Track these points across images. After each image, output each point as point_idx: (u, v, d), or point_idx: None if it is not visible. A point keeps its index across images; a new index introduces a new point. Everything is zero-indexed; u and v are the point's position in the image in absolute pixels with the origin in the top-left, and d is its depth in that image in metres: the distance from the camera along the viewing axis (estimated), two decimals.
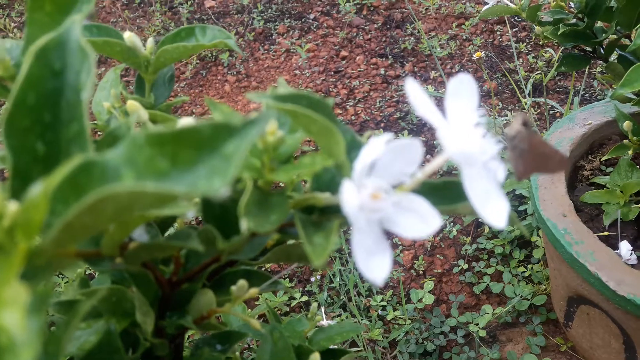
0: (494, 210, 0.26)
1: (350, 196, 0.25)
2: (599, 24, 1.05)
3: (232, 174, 0.19)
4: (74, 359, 0.37)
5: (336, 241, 0.28)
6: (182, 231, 0.32)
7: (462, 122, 0.27)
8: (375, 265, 0.27)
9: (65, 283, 1.36)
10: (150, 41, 0.48)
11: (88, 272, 1.31)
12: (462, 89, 0.29)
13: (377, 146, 0.26)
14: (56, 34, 0.23)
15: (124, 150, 0.20)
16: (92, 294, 0.39)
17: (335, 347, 0.60)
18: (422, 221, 0.27)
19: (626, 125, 0.87)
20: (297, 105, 0.26)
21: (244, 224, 0.26)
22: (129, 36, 0.46)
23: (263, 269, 1.50)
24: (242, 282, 0.40)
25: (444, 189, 0.31)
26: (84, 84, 0.23)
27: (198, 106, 2.00)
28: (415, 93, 0.27)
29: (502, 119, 1.76)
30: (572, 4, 1.00)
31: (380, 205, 0.27)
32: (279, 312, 1.32)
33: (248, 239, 0.35)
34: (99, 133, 0.55)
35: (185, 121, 0.34)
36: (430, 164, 0.28)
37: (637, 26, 0.87)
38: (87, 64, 0.23)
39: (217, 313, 0.42)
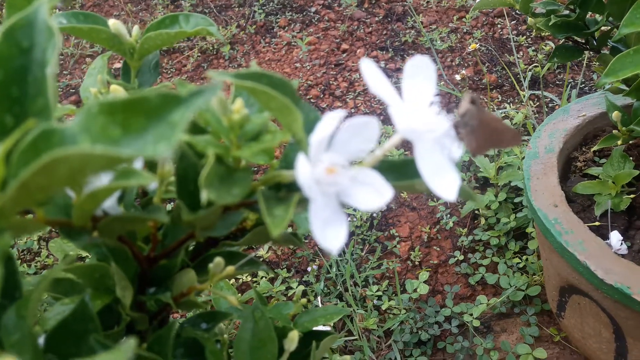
0: (445, 184, 0.27)
1: (303, 169, 0.27)
2: (595, 15, 1.05)
3: (177, 139, 0.20)
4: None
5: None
6: (153, 206, 0.33)
7: (415, 100, 0.28)
8: (331, 234, 0.28)
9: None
10: (135, 28, 0.49)
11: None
12: (419, 70, 0.30)
13: (331, 121, 0.27)
14: (24, 14, 0.25)
15: (80, 119, 0.22)
16: (72, 269, 0.41)
17: (320, 328, 0.62)
18: (376, 193, 0.28)
19: (615, 115, 0.88)
20: (256, 83, 0.27)
21: (204, 195, 0.27)
22: (113, 23, 0.47)
23: (262, 259, 1.52)
24: (218, 260, 0.42)
25: (403, 166, 0.33)
26: (49, 60, 0.24)
27: None
28: (370, 71, 0.28)
29: (501, 111, 1.77)
30: None
31: (337, 179, 0.28)
32: (276, 301, 1.33)
33: (220, 214, 0.36)
34: None
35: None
36: (388, 142, 0.30)
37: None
38: (53, 41, 0.25)
39: (196, 290, 0.43)
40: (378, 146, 0.30)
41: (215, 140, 0.31)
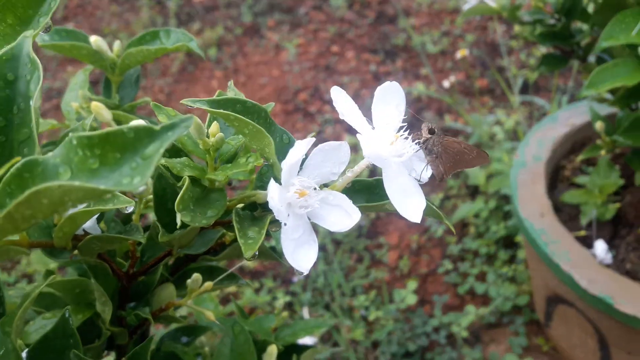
0: (411, 207, 0.28)
1: (274, 193, 0.27)
2: (581, 24, 1.06)
3: (150, 173, 0.21)
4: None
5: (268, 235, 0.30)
6: (130, 225, 0.34)
7: (383, 126, 0.29)
8: (301, 255, 0.29)
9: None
10: (117, 44, 0.49)
11: None
12: (389, 95, 0.31)
13: (301, 148, 0.28)
14: (9, 47, 0.26)
15: (61, 151, 0.23)
16: (53, 284, 0.42)
17: (306, 340, 0.62)
18: (346, 215, 0.29)
19: (598, 125, 0.89)
20: (229, 111, 0.28)
21: (178, 219, 0.28)
22: (95, 40, 0.47)
23: (247, 268, 1.50)
24: (196, 276, 0.42)
25: (376, 187, 0.33)
26: (33, 93, 0.26)
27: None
28: (341, 100, 0.29)
29: (493, 117, 1.77)
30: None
31: (308, 202, 0.29)
32: (261, 312, 1.33)
33: (197, 233, 0.37)
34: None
35: (136, 122, 0.36)
36: (358, 165, 0.30)
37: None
38: (37, 74, 0.26)
39: (174, 305, 0.44)
40: (349, 168, 0.31)
41: (191, 162, 0.31)
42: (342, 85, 1.97)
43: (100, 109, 0.44)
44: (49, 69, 2.23)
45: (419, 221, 0.28)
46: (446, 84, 1.69)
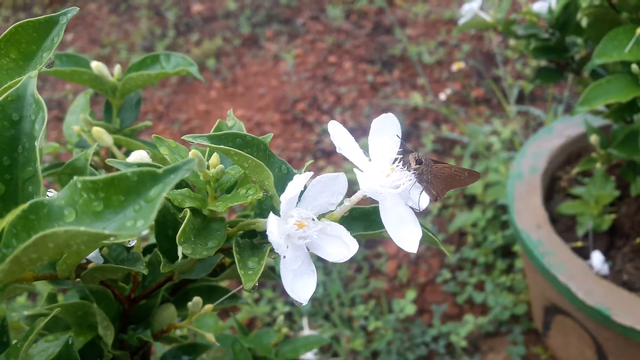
0: (407, 237, 0.29)
1: (273, 227, 0.28)
2: (575, 38, 1.07)
3: (154, 216, 0.22)
4: None
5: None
6: (132, 254, 0.34)
7: (379, 158, 0.30)
8: (300, 286, 0.30)
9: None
10: (117, 68, 0.50)
11: None
12: (385, 127, 0.32)
13: (299, 182, 0.28)
14: (14, 89, 0.27)
15: (66, 194, 0.24)
16: (54, 309, 0.42)
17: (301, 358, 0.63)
18: (344, 246, 0.30)
19: (593, 139, 0.90)
20: (229, 145, 0.29)
21: (180, 252, 0.29)
22: (96, 65, 0.48)
23: None
24: (196, 299, 0.43)
25: (373, 214, 0.34)
26: (38, 133, 0.26)
27: (183, 113, 2.02)
28: (338, 134, 0.30)
29: (489, 127, 1.78)
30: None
31: (306, 233, 0.30)
32: (261, 323, 1.34)
33: (197, 260, 0.37)
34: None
35: (138, 154, 0.37)
36: (355, 195, 0.31)
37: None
38: (42, 114, 0.27)
39: (175, 327, 0.44)
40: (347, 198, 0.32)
41: (191, 193, 0.32)
42: (339, 96, 2.00)
43: (101, 134, 0.45)
44: (48, 80, 2.23)
45: (415, 251, 0.28)
46: (442, 96, 1.70)
